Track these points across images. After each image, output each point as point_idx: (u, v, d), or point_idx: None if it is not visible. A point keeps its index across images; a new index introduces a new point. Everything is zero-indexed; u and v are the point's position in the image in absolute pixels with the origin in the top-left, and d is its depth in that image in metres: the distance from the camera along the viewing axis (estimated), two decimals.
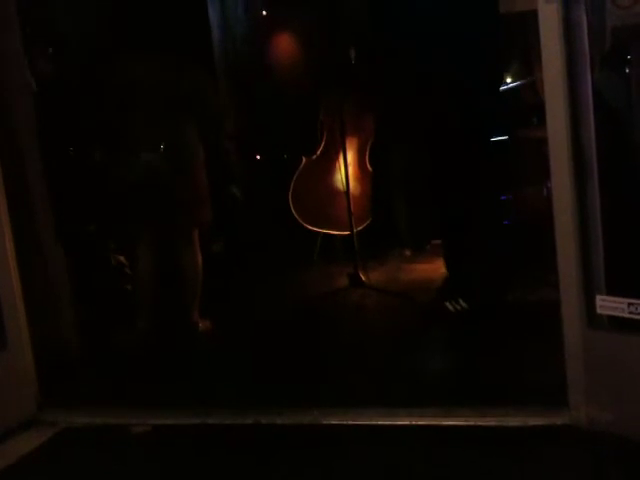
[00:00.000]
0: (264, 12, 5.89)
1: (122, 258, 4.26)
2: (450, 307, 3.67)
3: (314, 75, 5.44)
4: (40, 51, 4.09)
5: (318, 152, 5.20)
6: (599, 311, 2.30)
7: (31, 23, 3.92)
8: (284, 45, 5.94)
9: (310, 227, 5.15)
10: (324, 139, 5.18)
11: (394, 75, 3.76)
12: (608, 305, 2.29)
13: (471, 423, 2.52)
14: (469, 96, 3.42)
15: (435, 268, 4.40)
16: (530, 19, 2.48)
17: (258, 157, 5.80)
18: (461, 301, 3.65)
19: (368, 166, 5.19)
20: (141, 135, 3.63)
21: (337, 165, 4.97)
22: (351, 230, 4.67)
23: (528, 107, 4.48)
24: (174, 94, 3.65)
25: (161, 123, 3.62)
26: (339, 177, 4.89)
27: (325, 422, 2.66)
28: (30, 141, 3.33)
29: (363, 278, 4.51)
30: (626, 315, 2.24)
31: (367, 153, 5.18)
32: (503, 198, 4.16)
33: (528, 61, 4.77)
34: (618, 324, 2.29)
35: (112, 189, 3.71)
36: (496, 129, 3.74)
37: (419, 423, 2.57)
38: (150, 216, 3.71)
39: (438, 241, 4.58)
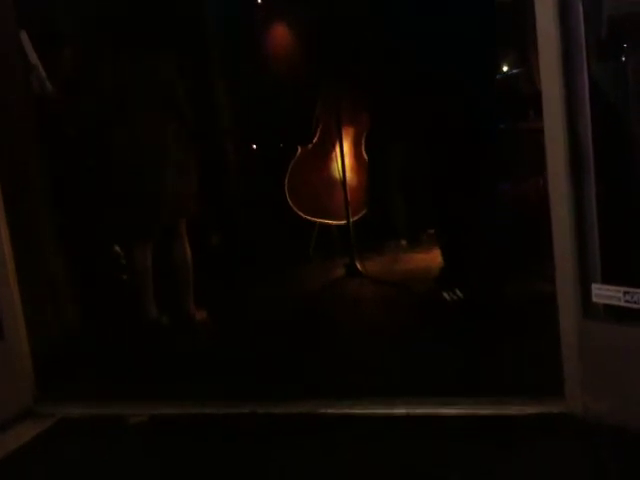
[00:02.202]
0: (259, 1, 5.87)
1: (117, 248, 4.26)
2: (447, 297, 3.67)
3: (311, 66, 5.42)
4: (70, 50, 4.09)
5: (314, 141, 5.19)
6: (595, 300, 2.30)
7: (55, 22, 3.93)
8: (280, 36, 5.92)
9: (306, 217, 5.15)
10: (320, 129, 5.17)
11: (391, 71, 3.74)
12: (604, 294, 2.29)
13: (468, 412, 2.52)
14: (467, 94, 3.41)
15: (432, 258, 4.40)
16: (528, 7, 2.46)
17: (254, 147, 5.81)
18: (458, 291, 3.65)
19: (364, 156, 5.18)
20: (132, 131, 3.62)
21: (333, 155, 4.97)
22: (347, 220, 4.67)
23: (525, 98, 4.47)
24: (161, 91, 3.66)
25: (150, 120, 3.63)
26: (335, 167, 4.89)
27: (322, 411, 2.67)
28: (30, 137, 3.32)
29: (360, 268, 4.51)
30: (622, 304, 2.24)
31: (363, 143, 5.18)
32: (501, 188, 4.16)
33: (526, 50, 4.76)
34: (614, 314, 2.29)
35: (109, 184, 3.71)
36: (493, 121, 3.73)
37: (416, 412, 2.57)
38: (144, 210, 3.71)
39: (434, 231, 4.59)
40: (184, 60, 3.91)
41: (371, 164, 5.16)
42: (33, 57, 3.83)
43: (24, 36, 3.73)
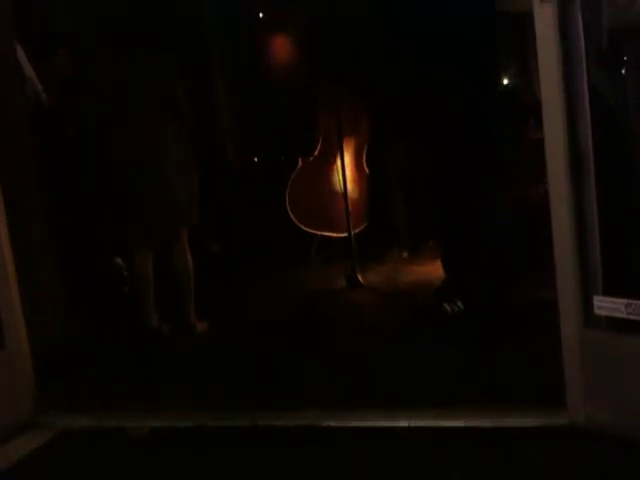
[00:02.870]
0: (261, 12, 5.91)
1: (119, 260, 4.26)
2: (448, 308, 3.67)
3: (311, 76, 5.44)
4: (65, 51, 4.09)
5: (315, 153, 5.19)
6: (596, 312, 2.30)
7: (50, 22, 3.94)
8: (281, 45, 5.95)
9: (307, 229, 5.15)
10: (321, 141, 5.18)
11: (391, 73, 3.76)
12: (605, 306, 2.28)
13: (470, 424, 2.51)
14: (468, 95, 3.42)
15: (433, 269, 4.40)
16: (529, 19, 2.47)
17: (255, 159, 5.83)
18: (459, 302, 3.65)
19: (365, 168, 5.19)
20: (132, 131, 3.63)
21: (334, 167, 4.97)
22: (349, 232, 4.67)
23: (527, 107, 4.49)
24: (160, 91, 3.67)
25: (150, 120, 3.64)
26: (336, 179, 4.90)
27: (323, 424, 2.66)
28: (29, 138, 3.33)
29: (361, 279, 4.51)
30: (624, 316, 2.24)
31: (364, 155, 5.18)
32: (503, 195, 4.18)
33: (527, 61, 4.79)
34: (616, 324, 2.29)
35: (108, 185, 3.72)
36: (494, 128, 3.74)
37: (417, 424, 2.56)
38: (144, 217, 3.72)
39: (436, 242, 4.60)
40: (184, 61, 3.93)
41: (372, 174, 5.17)
42: (28, 69, 3.83)
43: (19, 49, 3.74)
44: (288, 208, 5.11)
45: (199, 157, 3.84)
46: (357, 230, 4.85)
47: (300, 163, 5.19)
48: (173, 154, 3.68)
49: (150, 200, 3.66)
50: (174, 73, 3.72)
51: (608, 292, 2.29)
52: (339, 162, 4.76)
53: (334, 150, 4.90)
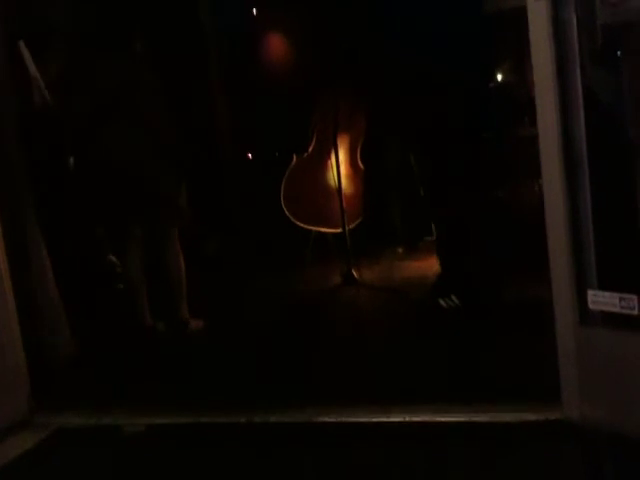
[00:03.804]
0: (255, 10, 5.90)
1: (113, 257, 4.26)
2: (443, 304, 3.68)
3: (307, 73, 5.44)
4: (57, 52, 4.06)
5: (309, 150, 5.19)
6: (591, 306, 2.31)
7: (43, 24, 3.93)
8: (276, 43, 5.94)
9: (302, 225, 5.15)
10: (315, 137, 5.17)
11: (388, 71, 3.77)
12: (600, 300, 2.29)
13: (465, 419, 2.52)
14: (464, 94, 3.44)
15: (428, 265, 4.41)
16: (522, 16, 2.48)
17: (250, 156, 5.83)
18: (454, 298, 3.66)
19: (360, 164, 5.19)
20: (114, 136, 3.62)
21: (329, 163, 4.97)
22: (343, 228, 4.68)
23: (520, 105, 4.50)
24: (142, 94, 3.66)
25: (130, 124, 3.63)
26: (331, 175, 4.90)
27: (319, 420, 2.67)
28: (15, 143, 3.31)
29: (356, 276, 4.52)
30: (617, 310, 2.24)
31: (359, 151, 5.18)
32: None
33: (521, 59, 4.78)
34: (611, 320, 2.29)
35: (92, 190, 3.72)
36: (490, 126, 3.75)
37: (413, 420, 2.57)
38: (128, 215, 3.73)
39: (431, 238, 4.61)
40: (178, 61, 3.92)
41: (368, 170, 5.17)
42: (32, 68, 3.81)
43: (23, 47, 3.71)
44: (283, 204, 5.10)
45: (188, 158, 3.84)
46: (352, 226, 4.85)
47: (295, 159, 5.19)
48: (158, 156, 3.68)
49: (136, 200, 3.67)
50: (150, 75, 3.71)
51: (603, 286, 2.30)
52: (333, 158, 4.77)
53: (328, 146, 4.90)
